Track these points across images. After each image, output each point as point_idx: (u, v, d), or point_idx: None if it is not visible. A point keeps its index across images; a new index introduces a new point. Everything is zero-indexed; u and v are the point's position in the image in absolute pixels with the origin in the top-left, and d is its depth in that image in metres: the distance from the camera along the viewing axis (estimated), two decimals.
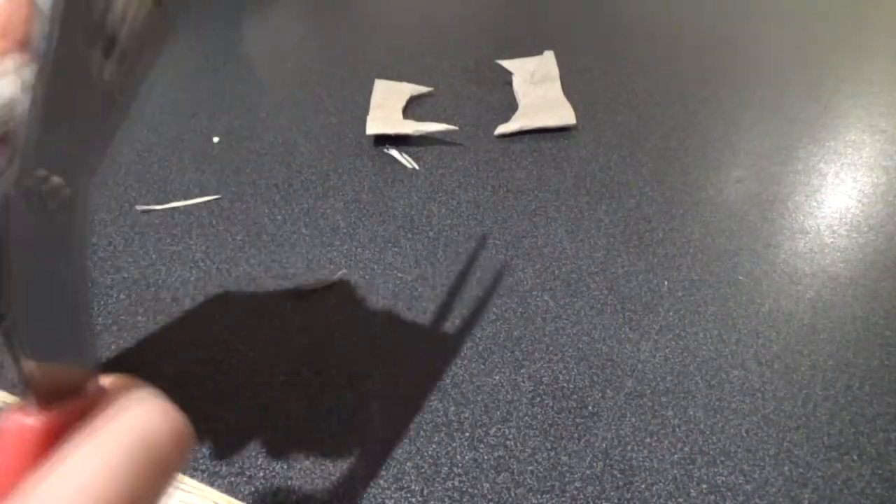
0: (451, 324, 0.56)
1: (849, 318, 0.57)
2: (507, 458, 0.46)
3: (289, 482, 0.44)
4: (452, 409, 0.49)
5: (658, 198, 0.71)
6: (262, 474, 0.44)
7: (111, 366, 0.52)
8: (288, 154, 0.77)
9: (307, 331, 0.55)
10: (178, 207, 0.67)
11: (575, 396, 0.50)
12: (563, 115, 0.83)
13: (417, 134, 0.78)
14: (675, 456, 0.46)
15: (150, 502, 0.19)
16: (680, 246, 0.65)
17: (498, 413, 0.49)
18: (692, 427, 0.48)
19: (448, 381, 0.51)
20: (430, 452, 0.46)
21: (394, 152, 0.76)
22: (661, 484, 0.44)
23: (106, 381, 0.22)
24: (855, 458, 0.46)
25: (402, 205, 0.69)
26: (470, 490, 0.44)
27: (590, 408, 0.49)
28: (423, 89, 0.89)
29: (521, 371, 0.52)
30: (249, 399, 0.49)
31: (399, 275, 0.61)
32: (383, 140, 0.78)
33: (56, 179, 0.18)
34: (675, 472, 0.45)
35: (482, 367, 0.52)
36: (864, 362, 0.53)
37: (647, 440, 0.47)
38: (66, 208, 0.18)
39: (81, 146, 0.19)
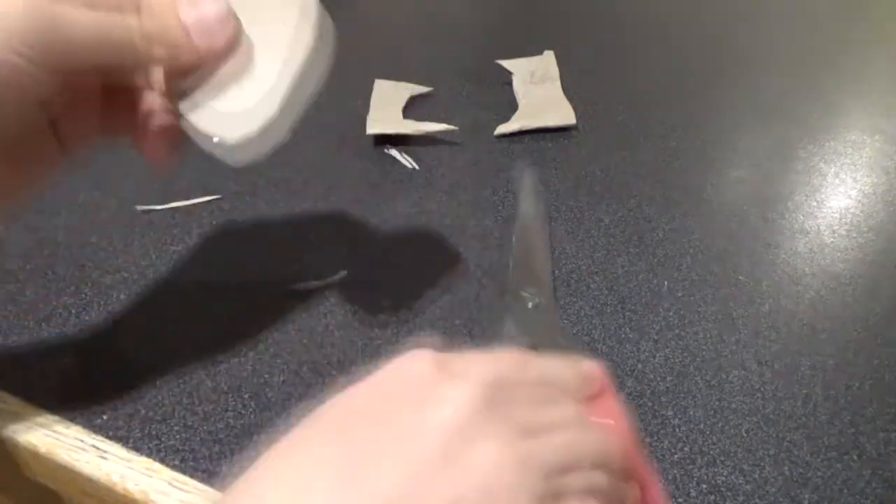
0: (452, 324, 0.56)
1: (849, 318, 0.57)
2: None
3: None
4: None
5: (658, 198, 0.71)
6: None
7: (111, 365, 0.52)
8: (288, 154, 0.77)
9: (307, 331, 0.55)
10: (178, 207, 0.67)
11: None
12: (563, 115, 0.83)
13: (417, 134, 0.78)
14: (675, 456, 0.46)
15: None
16: (680, 246, 0.65)
17: None
18: (692, 427, 0.48)
19: None
20: None
21: (394, 152, 0.76)
22: (660, 484, 0.44)
23: None
24: (855, 458, 0.46)
25: (402, 205, 0.69)
26: None
27: None
28: (423, 89, 0.88)
29: None
30: (249, 399, 0.49)
31: (399, 275, 0.61)
32: (383, 140, 0.78)
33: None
34: (675, 472, 0.45)
35: None
36: (864, 362, 0.53)
37: (647, 440, 0.47)
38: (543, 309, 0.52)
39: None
